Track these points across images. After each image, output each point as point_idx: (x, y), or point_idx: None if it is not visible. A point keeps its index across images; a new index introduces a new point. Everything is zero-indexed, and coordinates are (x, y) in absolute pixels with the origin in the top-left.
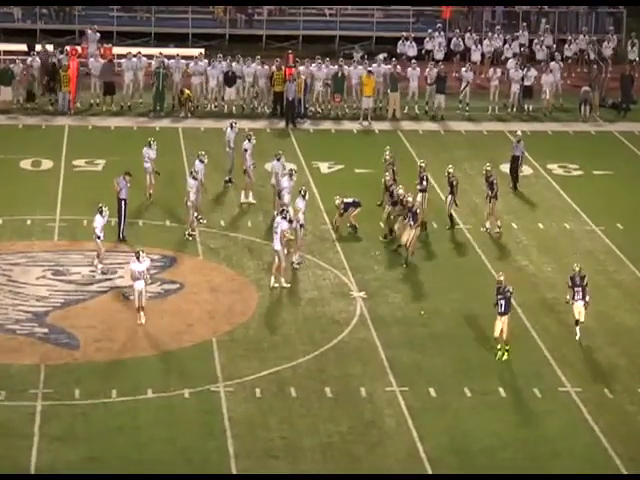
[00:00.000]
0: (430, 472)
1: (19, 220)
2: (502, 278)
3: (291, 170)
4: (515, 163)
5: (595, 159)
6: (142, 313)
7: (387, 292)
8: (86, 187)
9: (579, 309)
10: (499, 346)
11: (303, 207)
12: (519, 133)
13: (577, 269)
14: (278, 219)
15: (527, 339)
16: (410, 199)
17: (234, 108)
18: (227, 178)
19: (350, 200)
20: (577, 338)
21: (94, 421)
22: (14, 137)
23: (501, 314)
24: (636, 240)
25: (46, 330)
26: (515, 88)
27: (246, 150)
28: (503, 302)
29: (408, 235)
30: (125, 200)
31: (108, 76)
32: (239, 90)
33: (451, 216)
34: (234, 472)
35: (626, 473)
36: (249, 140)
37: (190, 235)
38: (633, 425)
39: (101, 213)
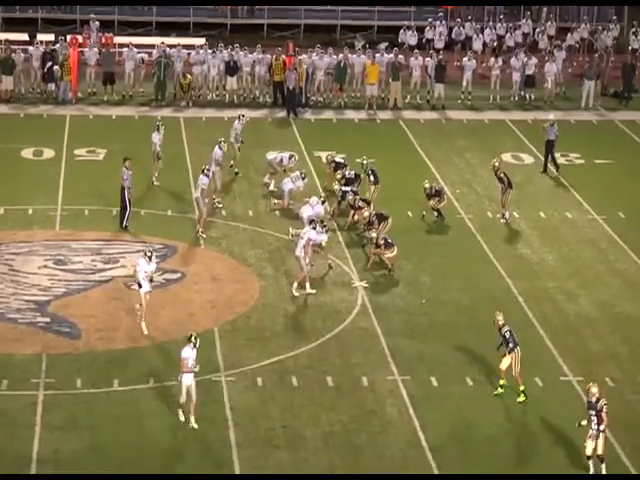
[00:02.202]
0: (432, 461)
1: (20, 209)
2: (500, 318)
3: (303, 173)
4: (550, 147)
5: (597, 148)
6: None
7: (388, 281)
8: (87, 176)
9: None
10: (502, 382)
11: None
12: (551, 117)
13: (595, 391)
14: (307, 228)
15: (528, 328)
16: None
17: (235, 97)
18: (235, 170)
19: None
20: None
21: (96, 410)
22: (15, 126)
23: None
24: (638, 229)
25: (48, 319)
26: (516, 77)
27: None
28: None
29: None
30: (129, 189)
31: (109, 66)
32: (240, 79)
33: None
34: (236, 461)
35: (627, 461)
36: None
37: (202, 234)
38: (635, 413)
39: (150, 258)
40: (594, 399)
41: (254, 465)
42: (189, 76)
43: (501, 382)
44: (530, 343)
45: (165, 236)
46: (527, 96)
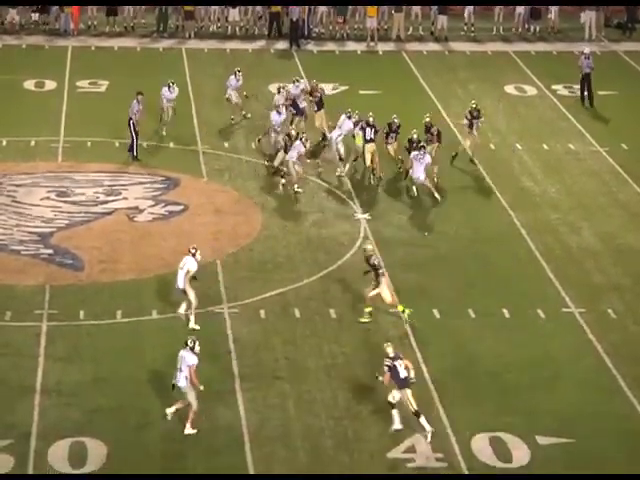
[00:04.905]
0: (434, 392)
1: (23, 141)
2: (369, 247)
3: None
4: (586, 81)
5: (600, 79)
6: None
7: (391, 214)
8: (90, 108)
9: None
10: (368, 309)
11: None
12: (587, 51)
13: (390, 351)
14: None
15: (531, 260)
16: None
17: (237, 29)
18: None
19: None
20: None
21: (99, 342)
22: (18, 57)
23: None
24: None
25: (51, 251)
26: (520, 9)
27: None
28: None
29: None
30: (136, 121)
31: None
32: (241, 11)
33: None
34: (238, 391)
35: (630, 393)
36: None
37: (297, 191)
38: (637, 345)
39: (194, 255)
40: (391, 357)
41: (257, 396)
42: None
43: (367, 309)
44: (533, 275)
45: (168, 168)
46: (531, 28)
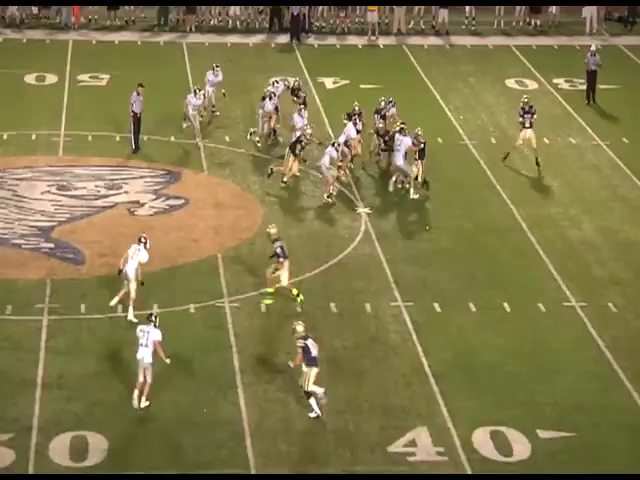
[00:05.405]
0: (434, 386)
1: (24, 135)
2: (273, 231)
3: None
4: (592, 77)
5: (601, 73)
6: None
7: (392, 208)
8: (91, 102)
9: None
10: (270, 290)
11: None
12: (593, 48)
13: (300, 330)
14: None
15: (532, 254)
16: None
17: (238, 23)
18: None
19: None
20: None
21: (100, 335)
22: (18, 51)
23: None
24: None
25: (52, 245)
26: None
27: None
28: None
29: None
30: (137, 114)
31: None
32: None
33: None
34: (239, 386)
35: (630, 387)
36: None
37: (331, 193)
38: (637, 339)
39: (145, 245)
40: (300, 336)
41: (257, 390)
42: None
43: (269, 290)
44: (533, 269)
45: (169, 162)
46: (532, 21)
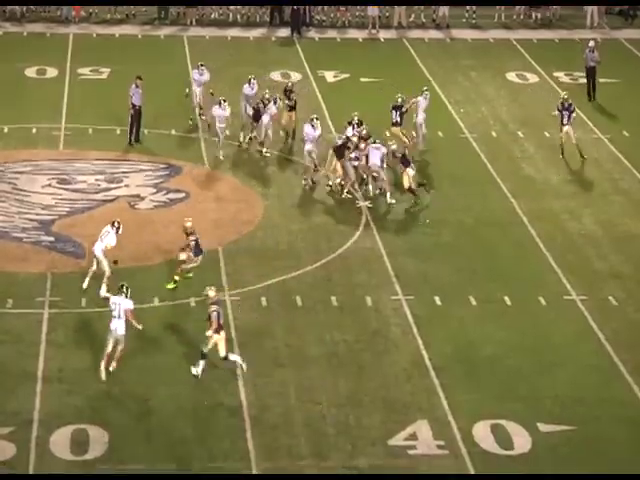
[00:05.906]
0: (435, 379)
1: (24, 128)
2: (189, 225)
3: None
4: (591, 74)
5: (602, 67)
6: None
7: (393, 201)
8: (91, 95)
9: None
10: (176, 277)
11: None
12: (591, 44)
13: (212, 295)
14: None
15: (532, 247)
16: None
17: (239, 16)
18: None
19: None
20: None
21: (100, 329)
22: (19, 45)
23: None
24: None
25: (52, 238)
26: None
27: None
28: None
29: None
30: (137, 106)
31: None
32: None
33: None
34: (240, 378)
35: (630, 380)
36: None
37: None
38: (638, 332)
39: (117, 230)
40: (212, 302)
41: (258, 382)
42: None
43: (176, 277)
44: (534, 262)
45: (169, 156)
46: (533, 15)
